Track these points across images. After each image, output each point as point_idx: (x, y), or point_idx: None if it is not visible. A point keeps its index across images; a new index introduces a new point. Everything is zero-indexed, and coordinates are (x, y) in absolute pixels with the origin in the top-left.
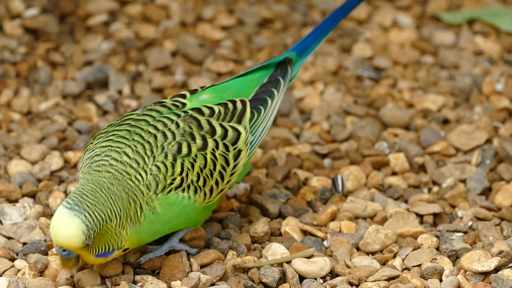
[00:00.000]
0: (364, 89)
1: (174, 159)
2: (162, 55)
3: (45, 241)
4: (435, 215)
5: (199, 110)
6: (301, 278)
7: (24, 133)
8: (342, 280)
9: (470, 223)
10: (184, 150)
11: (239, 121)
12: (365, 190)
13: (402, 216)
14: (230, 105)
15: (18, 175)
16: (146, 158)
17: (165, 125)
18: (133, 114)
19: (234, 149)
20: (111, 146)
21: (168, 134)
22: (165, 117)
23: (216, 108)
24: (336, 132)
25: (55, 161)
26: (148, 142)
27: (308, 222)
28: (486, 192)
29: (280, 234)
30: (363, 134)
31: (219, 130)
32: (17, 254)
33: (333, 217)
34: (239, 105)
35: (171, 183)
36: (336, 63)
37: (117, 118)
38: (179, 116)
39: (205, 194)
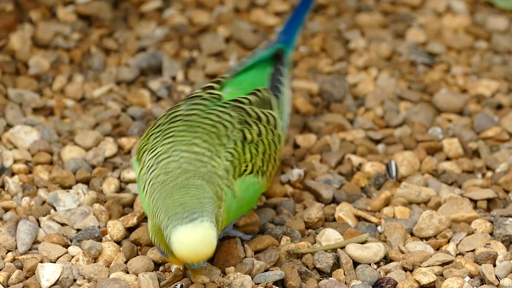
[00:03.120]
0: (417, 74)
1: (243, 146)
2: (215, 41)
3: (99, 227)
4: (489, 200)
5: (239, 101)
6: (355, 263)
7: (78, 119)
8: (396, 265)
9: None
10: (248, 136)
11: (271, 108)
12: (419, 176)
13: (456, 201)
14: (259, 93)
15: (72, 162)
16: (217, 146)
17: (218, 116)
18: (178, 110)
19: (276, 134)
20: (176, 140)
21: (227, 123)
22: (213, 109)
23: (250, 98)
24: (390, 117)
25: (108, 147)
26: (213, 132)
27: (362, 208)
28: None
29: (334, 220)
30: (417, 120)
31: (263, 116)
32: (71, 241)
33: (387, 203)
34: (265, 93)
35: (245, 168)
36: (389, 48)
37: (163, 117)
38: (225, 107)
39: (267, 178)
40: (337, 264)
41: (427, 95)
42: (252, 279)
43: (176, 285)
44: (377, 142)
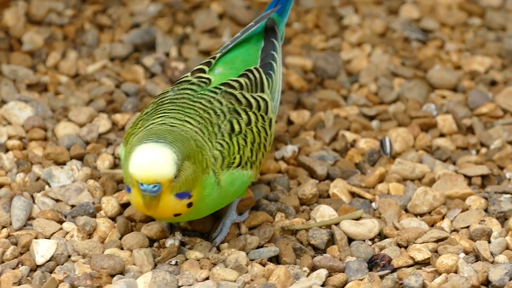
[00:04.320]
0: (411, 51)
1: (231, 138)
2: (209, 17)
3: (93, 203)
4: (483, 176)
5: (229, 85)
6: (350, 240)
7: (72, 95)
8: (391, 241)
9: None
10: (236, 128)
11: (262, 90)
12: (413, 152)
13: (450, 178)
14: (251, 75)
15: (66, 138)
16: (210, 132)
17: (210, 102)
18: (166, 96)
19: (268, 118)
20: (166, 116)
21: (219, 112)
22: (203, 94)
23: (241, 81)
24: (384, 94)
25: (102, 123)
26: (206, 117)
27: (356, 184)
28: None
29: (328, 196)
30: (411, 96)
31: (253, 102)
32: (65, 217)
33: (381, 179)
34: (256, 74)
35: (233, 162)
36: (383, 25)
37: (151, 103)
38: (215, 93)
39: (257, 167)
40: (331, 241)
41: (421, 71)
42: (246, 255)
43: (171, 261)
44: (371, 118)
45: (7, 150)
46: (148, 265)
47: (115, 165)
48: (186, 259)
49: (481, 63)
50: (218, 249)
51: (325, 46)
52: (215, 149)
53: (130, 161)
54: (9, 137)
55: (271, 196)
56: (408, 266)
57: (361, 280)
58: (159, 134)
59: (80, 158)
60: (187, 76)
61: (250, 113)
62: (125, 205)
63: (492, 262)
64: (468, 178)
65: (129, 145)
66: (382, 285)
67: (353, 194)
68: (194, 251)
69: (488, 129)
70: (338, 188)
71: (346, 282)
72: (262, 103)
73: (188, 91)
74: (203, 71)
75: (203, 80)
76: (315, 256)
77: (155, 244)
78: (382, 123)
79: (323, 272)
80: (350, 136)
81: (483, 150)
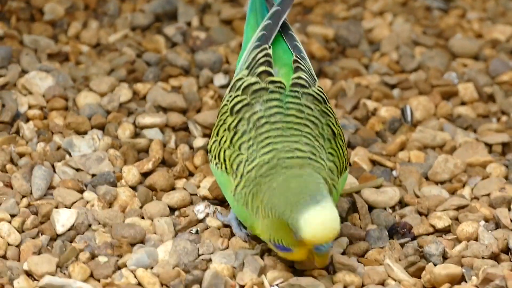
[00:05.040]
0: (433, 19)
1: (336, 142)
2: None
3: (114, 172)
4: (504, 144)
5: (301, 85)
6: (370, 208)
7: (93, 65)
8: (411, 209)
9: None
10: (335, 130)
11: (314, 79)
12: (434, 120)
13: (471, 146)
14: (301, 65)
15: (87, 107)
16: (318, 148)
17: (301, 111)
18: (255, 112)
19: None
20: (275, 149)
21: (314, 120)
22: (290, 103)
23: (303, 76)
24: (405, 62)
25: (123, 92)
26: (308, 132)
27: (377, 152)
28: None
29: (349, 164)
30: (432, 65)
31: (324, 97)
32: (86, 186)
33: (402, 147)
34: (301, 62)
35: (344, 165)
36: None
37: (239, 120)
38: (298, 98)
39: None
40: (352, 209)
41: (443, 40)
42: None
43: (192, 229)
44: (392, 87)
45: (27, 120)
46: (169, 234)
47: (136, 134)
48: (207, 228)
49: (503, 31)
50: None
51: (346, 15)
52: (328, 161)
53: (299, 228)
54: (30, 107)
55: None
56: (429, 234)
57: (382, 248)
58: (311, 188)
59: (101, 127)
60: (259, 83)
61: (329, 109)
62: (145, 174)
63: None
64: (489, 146)
65: (245, 183)
66: (402, 253)
67: (374, 162)
68: (215, 220)
69: (509, 97)
70: (359, 156)
71: (367, 250)
72: (324, 95)
73: (275, 103)
74: (270, 74)
75: (279, 85)
76: None
77: (176, 213)
78: (403, 92)
79: (343, 240)
80: (371, 104)
81: (504, 118)
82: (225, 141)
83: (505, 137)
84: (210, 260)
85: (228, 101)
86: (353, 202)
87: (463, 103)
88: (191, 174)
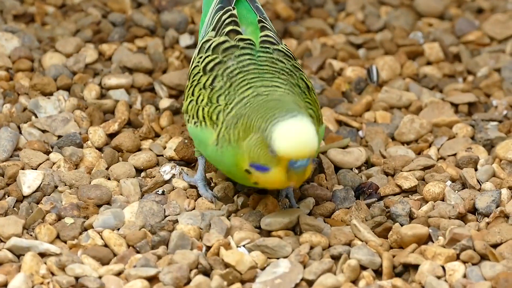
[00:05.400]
0: None
1: (310, 94)
2: None
3: (80, 133)
4: (470, 104)
5: (271, 42)
6: (337, 168)
7: (59, 26)
8: (378, 170)
9: (505, 112)
10: (308, 83)
11: (280, 38)
12: (400, 80)
13: (437, 106)
14: (269, 26)
15: (52, 68)
16: (296, 90)
17: (274, 63)
18: (228, 66)
19: None
20: (254, 86)
21: (288, 71)
22: (261, 57)
23: (271, 34)
24: (371, 22)
25: (89, 53)
26: (284, 79)
27: (343, 112)
28: None
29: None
30: (398, 24)
31: (291, 53)
32: (52, 147)
33: (368, 107)
34: (268, 23)
35: (319, 119)
36: None
37: (213, 77)
38: (269, 53)
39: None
40: (318, 169)
41: None
42: (234, 185)
43: (158, 191)
44: (358, 46)
45: None
46: (135, 195)
47: (102, 95)
48: (173, 189)
49: None
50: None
51: None
52: (308, 109)
53: (273, 141)
54: None
55: None
56: (395, 194)
57: (348, 208)
58: (289, 106)
59: (67, 88)
60: (229, 41)
61: (300, 66)
62: (111, 135)
63: (479, 190)
64: (455, 105)
65: (227, 124)
66: (369, 213)
67: (340, 123)
68: (181, 181)
69: (475, 57)
70: (325, 116)
71: (333, 211)
72: (292, 53)
73: (248, 57)
74: (239, 32)
75: (249, 42)
76: (302, 185)
77: (142, 174)
78: (369, 52)
79: (310, 201)
80: (337, 64)
81: (470, 77)
82: (202, 99)
83: (471, 97)
84: (176, 221)
85: (199, 62)
86: (319, 162)
87: (429, 63)
88: (157, 135)
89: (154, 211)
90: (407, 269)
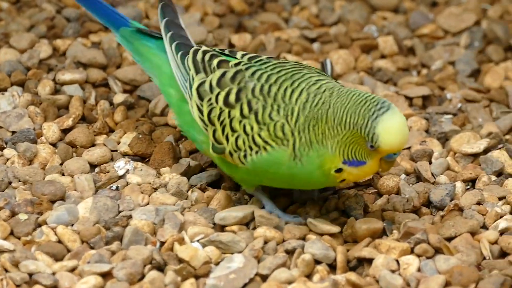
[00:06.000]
0: None
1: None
2: None
3: (34, 129)
4: (424, 97)
5: (254, 56)
6: None
7: (13, 21)
8: None
9: (459, 105)
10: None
11: None
12: (354, 74)
13: (392, 99)
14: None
15: (6, 64)
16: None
17: (284, 65)
18: (255, 88)
19: None
20: (303, 88)
21: (300, 65)
22: (269, 66)
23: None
24: (325, 16)
25: (44, 49)
26: (309, 72)
27: None
28: (475, 74)
29: None
30: (352, 18)
31: None
32: (6, 143)
33: None
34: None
35: None
36: None
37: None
38: (267, 62)
39: None
40: None
41: None
42: (188, 180)
43: (112, 186)
44: (312, 40)
45: None
46: (89, 190)
47: (56, 91)
48: (127, 184)
49: None
50: (159, 174)
51: None
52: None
53: (378, 136)
54: None
55: None
56: (350, 188)
57: (304, 204)
58: (373, 97)
59: (21, 84)
60: (227, 71)
61: None
62: (66, 131)
63: (433, 183)
64: (409, 99)
65: (299, 132)
66: (324, 207)
67: None
68: (135, 176)
69: (429, 50)
70: None
71: (288, 205)
72: None
73: (261, 72)
74: (226, 60)
75: (244, 62)
76: None
77: (96, 170)
78: (323, 45)
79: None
80: (291, 58)
81: (424, 71)
82: (251, 128)
83: (425, 90)
84: (130, 217)
85: (211, 104)
86: None
87: (383, 56)
88: (111, 130)
89: (108, 206)
90: (362, 263)
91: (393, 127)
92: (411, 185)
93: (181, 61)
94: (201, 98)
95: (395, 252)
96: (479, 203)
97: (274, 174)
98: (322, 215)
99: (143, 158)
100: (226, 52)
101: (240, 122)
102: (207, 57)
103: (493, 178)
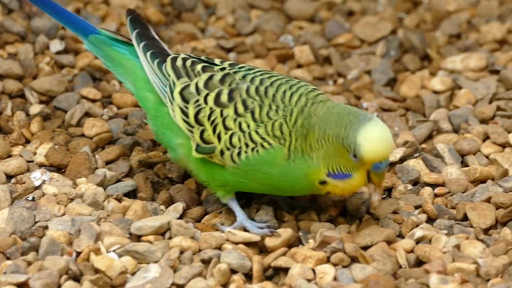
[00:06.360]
0: None
1: None
2: None
3: None
4: None
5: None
6: None
7: None
8: None
9: (375, 114)
10: None
11: None
12: None
13: None
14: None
15: None
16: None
17: (269, 72)
18: (250, 88)
19: None
20: (302, 93)
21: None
22: (256, 70)
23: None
24: (241, 25)
25: None
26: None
27: None
28: (391, 83)
29: None
30: (268, 28)
31: None
32: None
33: None
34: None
35: None
36: None
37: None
38: (250, 67)
39: None
40: (189, 173)
41: (278, 2)
42: (104, 191)
43: (28, 197)
44: (229, 50)
45: None
46: (5, 201)
47: None
48: (44, 195)
49: None
50: (75, 185)
51: None
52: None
53: (358, 145)
54: None
55: (128, 130)
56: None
57: (220, 213)
58: (355, 109)
59: None
60: (214, 74)
61: None
62: None
63: None
64: None
65: (296, 135)
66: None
67: None
68: (51, 187)
69: (345, 59)
70: None
71: (204, 215)
72: None
73: (252, 75)
74: (211, 64)
75: (229, 67)
76: (169, 188)
77: (13, 180)
78: (240, 55)
79: (179, 205)
80: None
81: (340, 80)
82: (248, 125)
83: (341, 100)
84: (46, 227)
85: (199, 105)
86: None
87: (299, 66)
88: (27, 141)
89: (24, 217)
90: (278, 272)
91: (374, 136)
92: (327, 194)
93: (159, 69)
94: (185, 100)
95: (311, 261)
96: (395, 212)
97: (264, 175)
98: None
99: (59, 168)
100: (203, 58)
101: (235, 120)
102: (188, 63)
103: (409, 187)
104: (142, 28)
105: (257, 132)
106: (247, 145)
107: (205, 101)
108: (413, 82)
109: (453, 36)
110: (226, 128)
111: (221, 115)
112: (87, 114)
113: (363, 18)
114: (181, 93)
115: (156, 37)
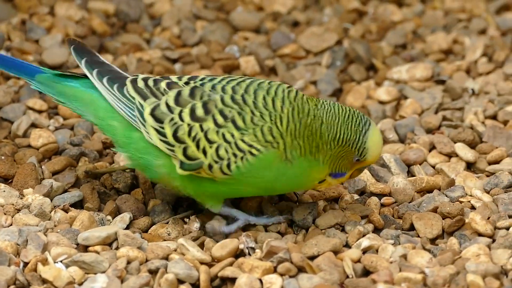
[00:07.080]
0: None
1: None
2: None
3: None
4: None
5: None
6: (154, 183)
7: None
8: None
9: None
10: None
11: None
12: None
13: None
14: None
15: None
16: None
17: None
18: (224, 98)
19: None
20: (284, 96)
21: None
22: (221, 79)
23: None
24: (187, 36)
25: None
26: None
27: None
28: (337, 93)
29: None
30: (214, 38)
31: None
32: None
33: None
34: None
35: None
36: None
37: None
38: (214, 78)
39: None
40: (135, 184)
41: (223, 13)
42: (51, 201)
43: None
44: (174, 61)
45: None
46: None
47: None
48: None
49: (283, 4)
50: (22, 195)
51: None
52: None
53: (368, 150)
54: None
55: (74, 140)
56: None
57: (167, 223)
58: (353, 112)
59: None
60: (181, 90)
61: None
62: None
63: (296, 202)
64: None
65: (292, 136)
66: (186, 228)
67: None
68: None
69: (291, 70)
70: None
71: (151, 225)
72: None
73: (220, 85)
74: (174, 82)
75: (192, 81)
76: (116, 199)
77: None
78: (185, 66)
79: (127, 216)
80: None
81: None
82: (232, 135)
83: None
84: None
85: (175, 124)
86: (135, 177)
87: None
88: None
89: None
90: (225, 282)
91: (377, 141)
92: (274, 204)
93: (120, 93)
94: (159, 121)
95: (258, 271)
96: (341, 222)
97: (260, 178)
98: (185, 235)
99: (6, 179)
100: (159, 78)
101: (217, 132)
102: (150, 82)
103: (356, 196)
104: (89, 55)
105: (243, 140)
106: (235, 155)
107: (181, 118)
108: (359, 92)
109: (399, 46)
110: (210, 142)
111: (201, 129)
112: (34, 125)
113: (309, 28)
114: (152, 114)
115: (106, 61)
